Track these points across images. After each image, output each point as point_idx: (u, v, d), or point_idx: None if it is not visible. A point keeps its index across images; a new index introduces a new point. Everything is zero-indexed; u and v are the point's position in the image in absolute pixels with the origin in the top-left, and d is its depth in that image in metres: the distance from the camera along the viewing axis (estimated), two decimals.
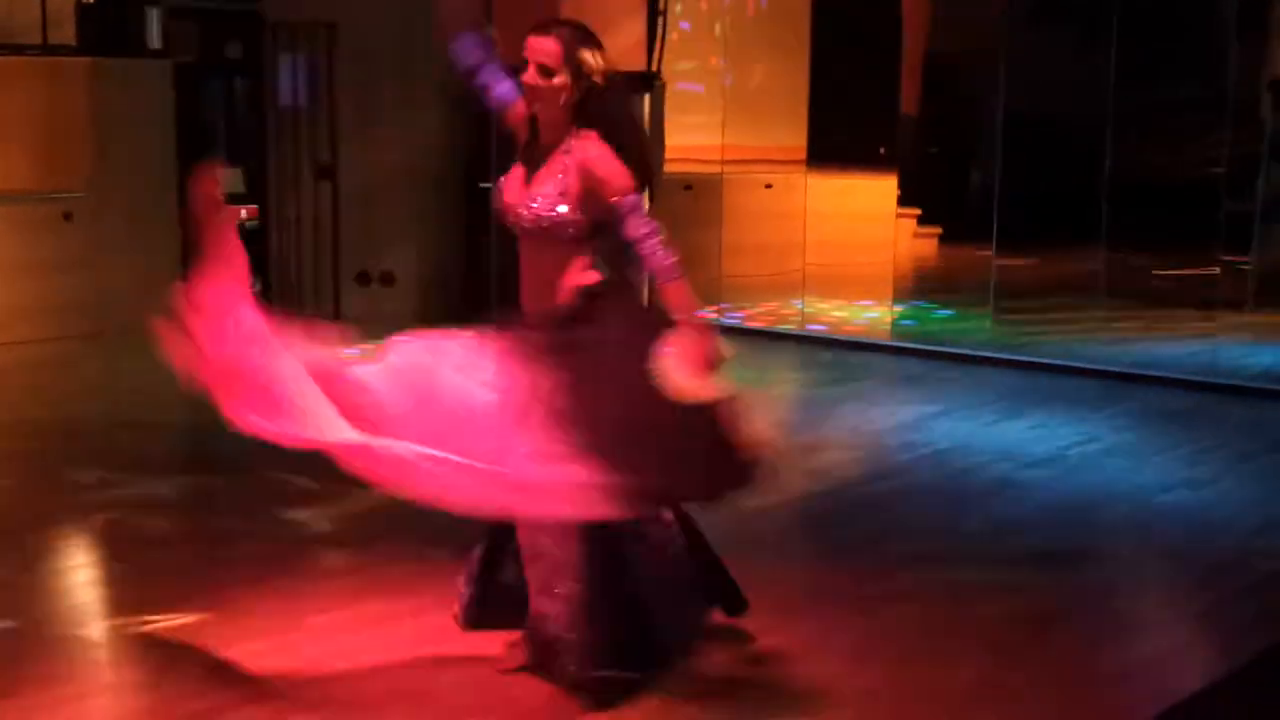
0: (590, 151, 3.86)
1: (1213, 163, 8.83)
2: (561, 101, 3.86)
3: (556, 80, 3.83)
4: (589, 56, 3.85)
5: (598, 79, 3.88)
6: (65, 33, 10.43)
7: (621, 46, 6.11)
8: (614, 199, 3.85)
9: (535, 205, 3.89)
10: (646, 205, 3.96)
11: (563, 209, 3.87)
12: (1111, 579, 5.24)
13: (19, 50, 10.39)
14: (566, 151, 3.88)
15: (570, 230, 3.90)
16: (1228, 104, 8.79)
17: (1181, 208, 9.16)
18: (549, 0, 5.83)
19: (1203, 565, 5.35)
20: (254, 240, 10.66)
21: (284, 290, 10.34)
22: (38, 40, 10.40)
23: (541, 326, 3.93)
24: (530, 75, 3.84)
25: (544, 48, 3.83)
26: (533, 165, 3.95)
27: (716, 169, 10.60)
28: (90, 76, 9.55)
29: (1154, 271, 9.71)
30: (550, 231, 3.89)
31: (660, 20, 10.35)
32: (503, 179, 4.00)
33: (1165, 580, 5.24)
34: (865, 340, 9.71)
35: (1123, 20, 8.90)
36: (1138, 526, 5.83)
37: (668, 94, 10.04)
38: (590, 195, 3.86)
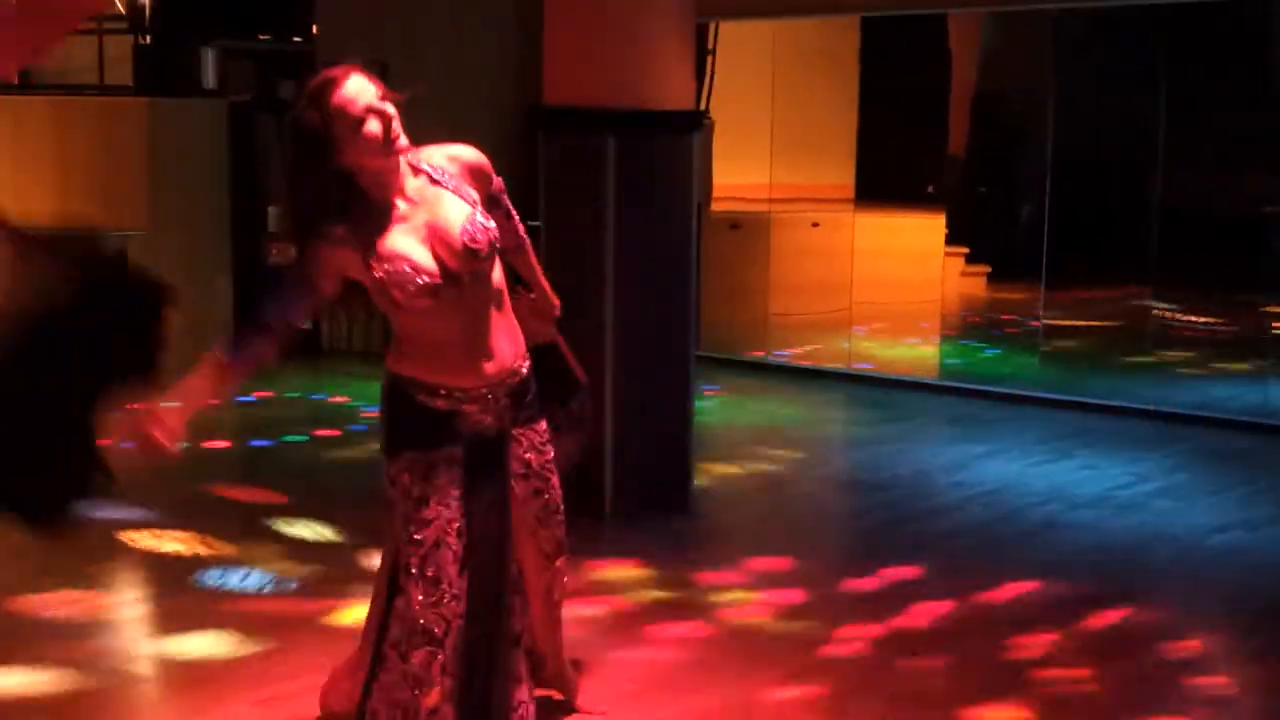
0: (457, 152, 3.51)
1: (1266, 199, 8.75)
2: (396, 139, 3.32)
3: (395, 121, 3.32)
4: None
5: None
6: (122, 73, 10.63)
7: (670, 84, 6.12)
8: (494, 181, 3.56)
9: (484, 230, 3.37)
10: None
11: (489, 222, 3.41)
12: (1163, 621, 5.17)
13: (77, 90, 10.60)
14: (441, 172, 3.43)
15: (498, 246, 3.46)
16: (1278, 139, 8.72)
17: (1234, 245, 9.08)
18: (598, 42, 5.87)
19: (1257, 608, 5.28)
20: None
21: (332, 328, 10.42)
22: (95, 80, 10.60)
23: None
24: (378, 129, 3.27)
25: (372, 91, 3.29)
26: (411, 218, 3.35)
27: (764, 207, 10.61)
28: (146, 116, 9.70)
29: (1204, 310, 9.62)
30: (490, 257, 3.42)
31: (709, 59, 10.41)
32: (395, 253, 3.27)
33: (1218, 623, 5.17)
34: (913, 379, 9.67)
35: (1172, 54, 8.86)
36: (1190, 568, 5.76)
37: (716, 132, 10.08)
38: (484, 195, 3.52)
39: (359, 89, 3.26)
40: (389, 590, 3.50)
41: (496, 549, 3.52)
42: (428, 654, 3.38)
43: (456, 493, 3.42)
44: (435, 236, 3.33)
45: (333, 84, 3.26)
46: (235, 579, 5.39)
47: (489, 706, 3.51)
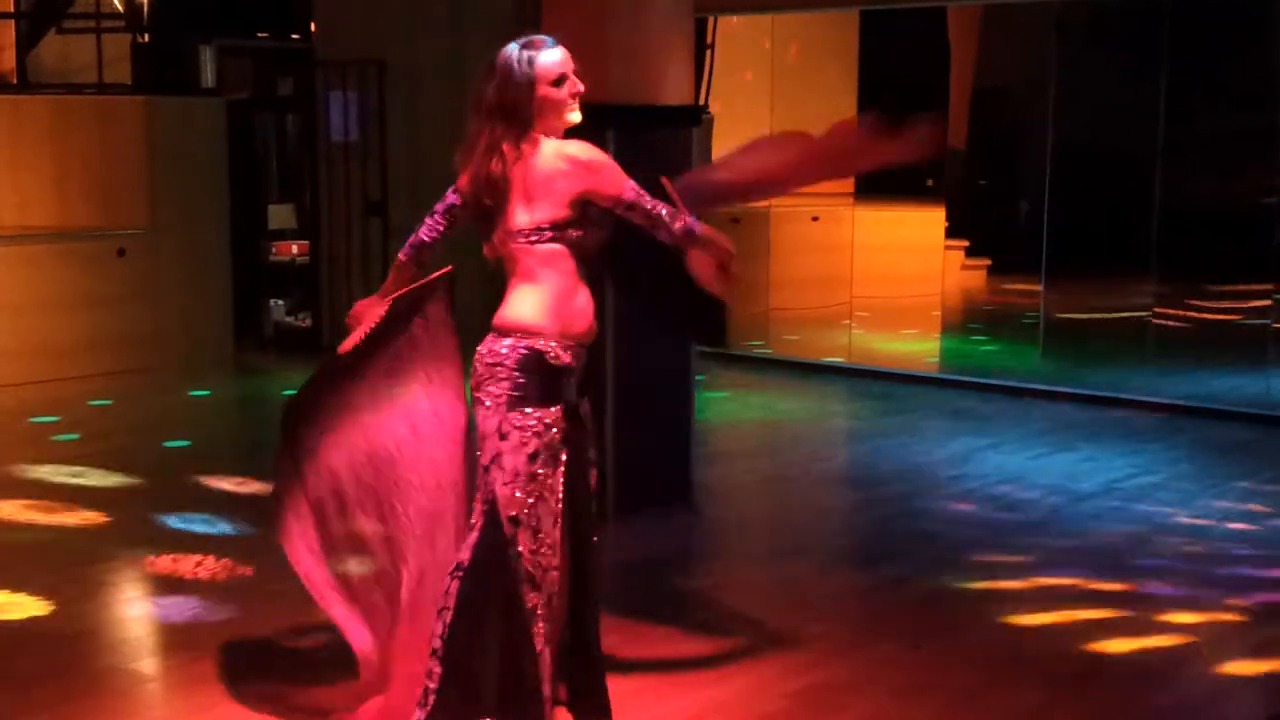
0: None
1: (1264, 192, 8.75)
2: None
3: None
4: None
5: None
6: (120, 72, 10.63)
7: (669, 79, 6.12)
8: None
9: None
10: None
11: None
12: (1165, 614, 5.17)
13: (76, 89, 10.60)
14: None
15: None
16: (1279, 133, 8.71)
17: (1233, 238, 9.07)
18: (597, 38, 5.87)
19: (1260, 600, 5.28)
20: (304, 275, 10.78)
21: (334, 326, 10.43)
22: (94, 79, 10.60)
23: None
24: (570, 93, 3.72)
25: (570, 64, 3.72)
26: None
27: (764, 202, 10.61)
28: (145, 115, 9.70)
29: (1205, 303, 9.61)
30: None
31: (708, 53, 10.40)
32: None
33: (1221, 615, 5.16)
34: (913, 373, 9.67)
35: (1172, 50, 8.85)
36: (1194, 560, 5.75)
37: (715, 127, 10.07)
38: None
39: (563, 57, 3.67)
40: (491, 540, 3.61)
41: (584, 513, 3.77)
42: (535, 598, 3.60)
43: (560, 453, 3.63)
44: None
45: (540, 47, 3.66)
46: (236, 577, 5.39)
47: (590, 646, 3.87)
